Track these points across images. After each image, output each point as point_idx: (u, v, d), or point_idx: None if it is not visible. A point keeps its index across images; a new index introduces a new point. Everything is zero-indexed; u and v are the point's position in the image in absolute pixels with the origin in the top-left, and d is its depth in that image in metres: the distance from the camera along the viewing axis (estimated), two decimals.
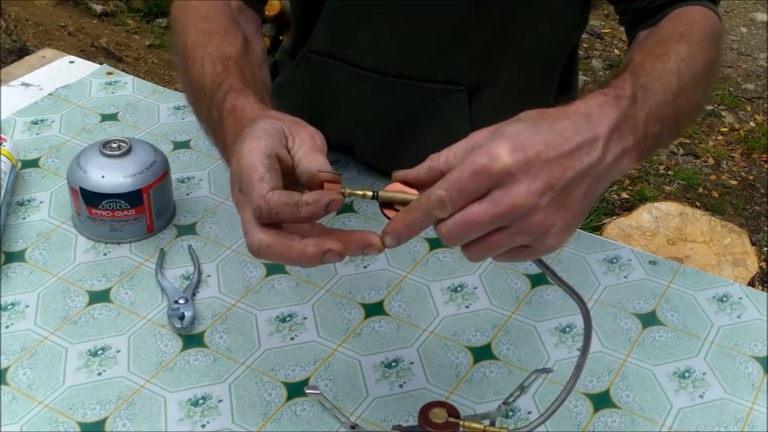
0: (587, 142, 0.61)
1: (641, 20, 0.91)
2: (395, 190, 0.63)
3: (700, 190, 3.12)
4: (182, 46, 0.83)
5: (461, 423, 0.68)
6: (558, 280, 0.67)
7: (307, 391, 0.66)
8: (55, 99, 1.22)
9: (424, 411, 0.69)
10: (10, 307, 0.90)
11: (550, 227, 0.60)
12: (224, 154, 0.73)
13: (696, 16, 0.85)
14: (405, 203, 0.62)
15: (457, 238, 0.60)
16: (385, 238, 0.62)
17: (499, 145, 0.59)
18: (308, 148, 0.64)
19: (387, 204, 0.63)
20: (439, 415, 0.68)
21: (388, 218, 0.62)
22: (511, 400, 0.71)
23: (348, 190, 0.62)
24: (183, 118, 1.19)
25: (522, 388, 0.71)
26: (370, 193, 0.63)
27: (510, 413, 0.82)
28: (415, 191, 0.63)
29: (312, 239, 0.61)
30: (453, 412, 0.69)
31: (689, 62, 0.75)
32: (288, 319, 0.90)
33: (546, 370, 0.71)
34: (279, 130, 0.65)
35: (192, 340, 0.88)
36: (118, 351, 0.86)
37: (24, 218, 1.01)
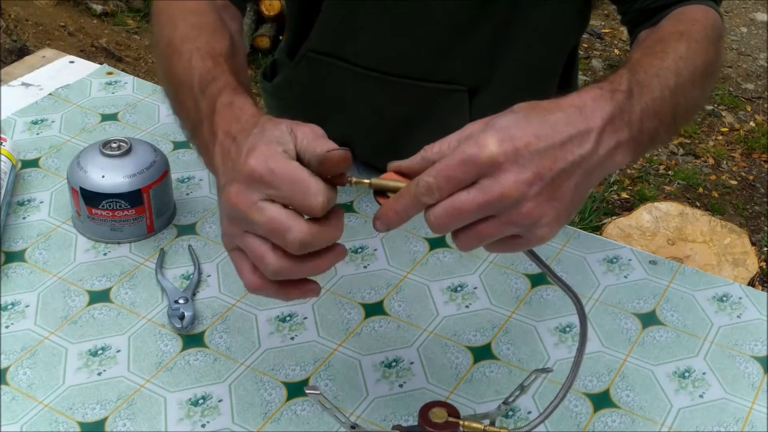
0: (580, 134, 0.62)
1: (643, 20, 0.91)
2: (390, 179, 0.65)
3: (700, 190, 3.12)
4: (168, 37, 0.81)
5: (461, 423, 0.68)
6: (552, 274, 0.67)
7: (307, 392, 0.66)
8: (55, 99, 1.22)
9: (424, 411, 0.69)
10: (10, 307, 0.90)
11: (540, 218, 0.60)
12: (205, 148, 0.71)
13: (696, 15, 0.85)
14: (397, 191, 0.63)
15: (444, 226, 0.61)
16: (376, 223, 0.63)
17: (489, 136, 0.60)
18: (311, 138, 0.64)
19: (381, 192, 0.64)
20: (439, 415, 0.68)
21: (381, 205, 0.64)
22: (511, 399, 0.71)
23: (354, 179, 0.64)
24: None
25: (522, 388, 0.71)
26: (367, 181, 0.64)
27: (510, 413, 0.82)
28: (408, 180, 0.63)
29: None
30: (453, 411, 0.69)
31: (688, 60, 0.75)
32: (288, 319, 0.90)
33: (546, 370, 0.71)
34: (286, 135, 0.64)
35: (192, 340, 0.88)
36: (118, 351, 0.86)
37: (24, 218, 1.01)
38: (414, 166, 0.64)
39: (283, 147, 0.62)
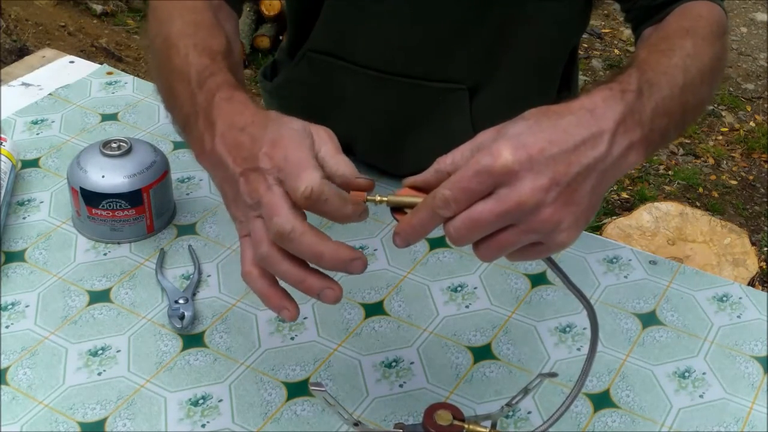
0: (592, 136, 0.61)
1: (646, 18, 0.90)
2: (405, 195, 0.65)
3: (700, 190, 3.12)
4: (165, 33, 0.81)
5: (465, 426, 0.68)
6: (567, 281, 0.67)
7: (312, 388, 0.66)
8: (55, 99, 1.22)
9: (429, 412, 0.69)
10: (10, 307, 0.90)
11: (559, 223, 0.60)
12: (199, 139, 0.70)
13: (701, 11, 0.85)
14: (414, 206, 0.63)
15: (464, 237, 0.61)
16: (395, 239, 0.63)
17: (502, 145, 0.59)
18: (331, 150, 0.65)
19: (398, 208, 0.64)
20: (444, 418, 0.68)
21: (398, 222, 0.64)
22: (514, 402, 0.71)
23: (378, 198, 0.64)
24: None
25: (526, 391, 0.70)
26: (385, 199, 0.64)
27: (510, 413, 0.82)
28: (424, 195, 0.63)
29: (343, 243, 0.61)
30: (457, 414, 0.69)
31: (695, 57, 0.75)
32: None
33: (551, 374, 0.71)
34: (310, 134, 0.65)
35: (192, 340, 0.88)
36: (118, 351, 0.86)
37: (24, 218, 1.01)
38: (429, 179, 0.64)
39: (307, 141, 0.63)
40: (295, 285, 0.63)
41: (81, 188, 0.96)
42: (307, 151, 0.62)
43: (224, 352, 0.87)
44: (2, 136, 1.06)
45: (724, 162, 3.29)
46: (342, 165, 0.64)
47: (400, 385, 0.84)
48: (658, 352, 0.89)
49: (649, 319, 0.93)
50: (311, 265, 0.63)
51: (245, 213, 0.64)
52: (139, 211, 0.97)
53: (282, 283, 0.65)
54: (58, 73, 1.28)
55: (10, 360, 0.84)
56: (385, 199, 0.64)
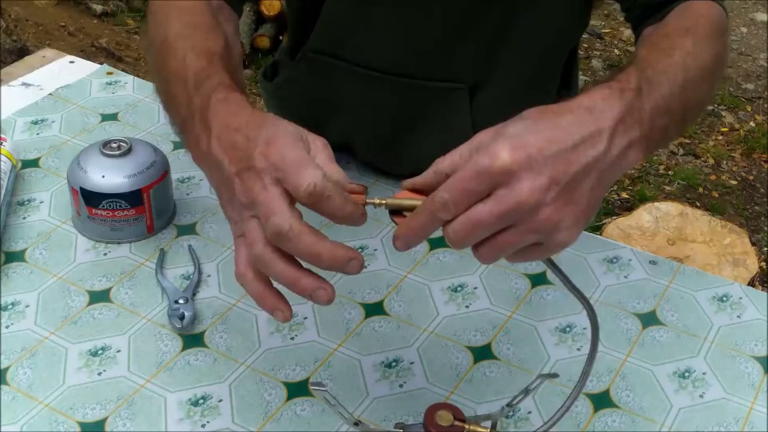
0: (591, 135, 0.61)
1: (647, 17, 0.90)
2: (404, 197, 0.64)
3: (700, 190, 3.12)
4: (163, 36, 0.81)
5: (466, 426, 0.68)
6: (568, 283, 0.67)
7: (313, 388, 0.66)
8: (55, 99, 1.22)
9: (430, 412, 0.69)
10: (10, 307, 0.90)
11: (559, 223, 0.60)
12: (195, 141, 0.70)
13: (701, 10, 0.85)
14: (413, 209, 0.62)
15: (464, 240, 0.60)
16: (395, 243, 0.63)
17: (501, 145, 0.59)
18: (325, 158, 0.65)
19: (396, 211, 0.64)
20: (445, 418, 0.69)
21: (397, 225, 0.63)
22: (514, 402, 0.71)
23: (377, 200, 0.64)
24: None
25: (526, 392, 0.70)
26: (384, 202, 0.64)
27: (510, 414, 0.82)
28: (423, 197, 0.63)
29: (340, 243, 0.61)
30: (458, 414, 0.69)
31: (695, 56, 0.75)
32: None
33: (552, 375, 0.71)
34: (305, 139, 0.65)
35: (192, 340, 0.88)
36: (118, 351, 0.86)
37: (24, 218, 1.01)
38: (427, 181, 0.63)
39: (301, 143, 0.63)
40: (289, 286, 0.63)
41: (81, 188, 0.96)
42: (303, 151, 0.62)
43: (224, 352, 0.87)
44: (2, 136, 1.06)
45: (724, 162, 3.29)
46: (335, 173, 0.64)
47: (400, 385, 0.84)
48: (658, 352, 0.89)
49: (649, 319, 0.93)
50: (305, 267, 0.63)
51: (240, 213, 0.64)
52: (139, 211, 0.97)
53: (275, 284, 0.65)
54: (58, 73, 1.28)
55: (10, 360, 0.84)
56: (383, 201, 0.64)
